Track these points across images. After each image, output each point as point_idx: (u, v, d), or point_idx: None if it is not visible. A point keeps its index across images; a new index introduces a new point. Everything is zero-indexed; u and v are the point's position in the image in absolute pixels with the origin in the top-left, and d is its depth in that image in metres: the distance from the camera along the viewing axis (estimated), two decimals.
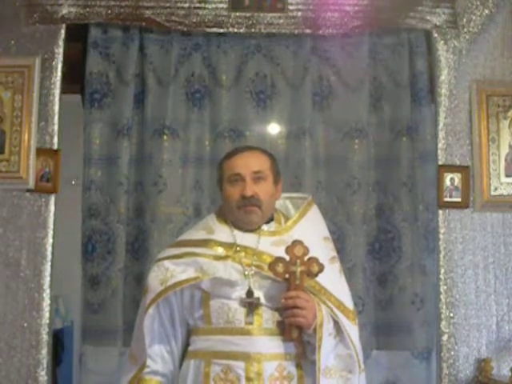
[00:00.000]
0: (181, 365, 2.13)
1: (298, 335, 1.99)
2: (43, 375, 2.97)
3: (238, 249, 2.09)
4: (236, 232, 2.13)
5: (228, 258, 2.07)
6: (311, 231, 2.17)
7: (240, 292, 2.03)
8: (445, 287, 3.10)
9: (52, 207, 3.07)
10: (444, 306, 3.09)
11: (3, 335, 2.98)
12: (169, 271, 2.08)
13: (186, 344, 2.14)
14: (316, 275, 2.03)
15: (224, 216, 2.19)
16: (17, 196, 3.07)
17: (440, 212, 3.15)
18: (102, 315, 3.09)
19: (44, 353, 2.98)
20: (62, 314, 4.72)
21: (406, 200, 3.18)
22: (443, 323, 3.08)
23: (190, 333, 2.14)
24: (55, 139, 3.12)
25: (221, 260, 2.07)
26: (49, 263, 3.03)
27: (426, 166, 3.21)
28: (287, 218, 2.23)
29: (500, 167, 3.16)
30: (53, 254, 3.05)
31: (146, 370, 2.10)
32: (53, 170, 3.08)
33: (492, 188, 3.15)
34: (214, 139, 3.21)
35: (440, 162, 3.18)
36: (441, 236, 3.13)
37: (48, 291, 3.01)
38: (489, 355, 3.05)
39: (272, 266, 2.00)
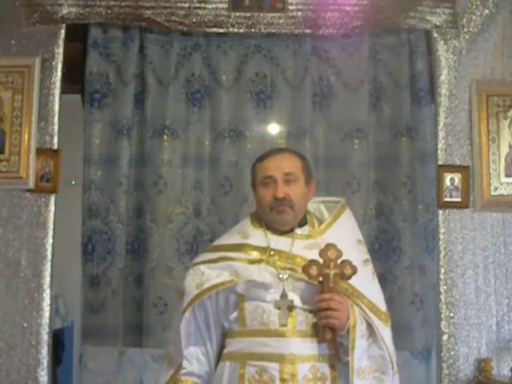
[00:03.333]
0: (216, 367, 2.15)
1: (331, 337, 2.00)
2: (43, 375, 2.97)
3: (272, 253, 2.10)
4: (270, 236, 2.15)
5: (262, 261, 2.09)
6: (344, 234, 2.18)
7: (274, 295, 2.04)
8: (445, 287, 3.10)
9: (52, 207, 3.07)
10: (444, 306, 3.09)
11: (3, 335, 2.98)
12: (204, 275, 2.10)
13: (222, 346, 2.16)
14: (349, 278, 2.03)
15: (258, 220, 2.21)
16: (17, 196, 3.07)
17: (440, 212, 3.15)
18: (102, 315, 3.09)
19: (44, 353, 2.98)
20: (62, 313, 4.72)
21: (405, 200, 3.18)
22: (443, 323, 3.08)
23: (225, 335, 2.15)
24: (55, 139, 3.12)
25: (255, 264, 2.08)
26: (49, 263, 3.03)
27: (425, 165, 3.22)
28: (321, 222, 2.24)
29: (500, 167, 3.16)
30: (53, 253, 3.05)
31: (182, 371, 2.12)
32: (53, 170, 3.08)
33: (492, 188, 3.15)
34: (214, 139, 3.22)
35: (440, 162, 3.18)
36: (441, 236, 3.13)
37: (48, 291, 3.01)
38: (489, 355, 3.05)
39: (306, 268, 2.01)
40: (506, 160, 3.17)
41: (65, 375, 4.41)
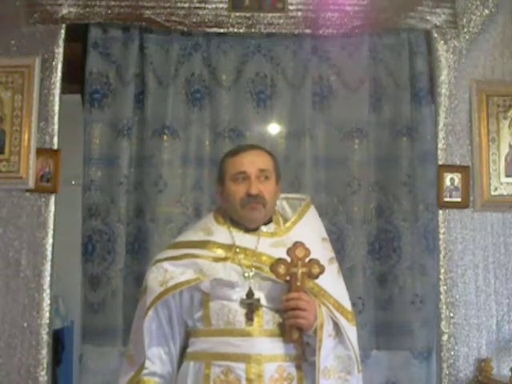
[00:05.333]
0: (179, 366, 2.13)
1: (298, 337, 1.99)
2: (43, 375, 2.97)
3: (237, 250, 2.08)
4: (235, 233, 2.13)
5: (227, 259, 2.07)
6: (310, 232, 2.17)
7: (240, 293, 2.02)
8: (445, 287, 3.10)
9: (52, 207, 3.07)
10: (444, 306, 3.09)
11: (3, 335, 2.98)
12: (168, 273, 2.07)
13: (185, 346, 2.14)
14: (317, 277, 2.03)
15: (222, 216, 2.18)
16: (17, 196, 3.07)
17: (440, 212, 3.15)
18: (101, 315, 3.09)
19: (44, 353, 2.98)
20: (62, 313, 4.72)
21: (406, 200, 3.18)
22: (443, 323, 3.08)
23: (188, 334, 2.13)
24: (55, 139, 3.12)
25: (220, 261, 2.06)
26: (49, 263, 3.03)
27: (426, 166, 3.21)
28: (285, 219, 2.22)
29: (500, 167, 3.16)
30: (53, 254, 3.05)
31: (145, 371, 2.09)
32: (53, 170, 3.09)
33: (492, 188, 3.15)
34: (214, 139, 3.21)
35: (440, 162, 3.18)
36: (441, 236, 3.13)
37: (48, 291, 3.01)
38: (489, 355, 3.05)
39: (274, 267, 2.00)
40: (506, 160, 3.17)
41: (65, 375, 4.42)
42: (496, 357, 3.06)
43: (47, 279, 3.02)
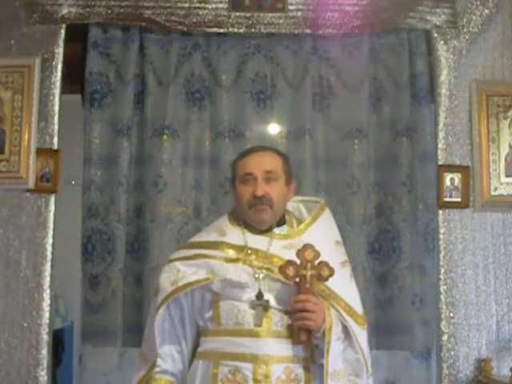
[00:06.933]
0: (190, 365, 2.14)
1: (306, 338, 2.00)
2: (43, 375, 2.97)
3: (249, 251, 2.09)
4: (248, 235, 2.14)
5: (239, 260, 2.08)
6: (323, 235, 2.18)
7: (250, 294, 2.04)
8: (445, 287, 3.10)
9: (52, 207, 3.07)
10: (444, 306, 3.09)
11: (3, 335, 2.98)
12: (180, 272, 2.10)
13: (196, 345, 2.15)
14: (326, 279, 2.03)
15: (236, 218, 2.20)
16: (17, 196, 3.07)
17: (440, 212, 3.15)
18: (101, 315, 3.09)
19: (44, 353, 2.98)
20: (62, 313, 4.71)
21: (405, 200, 3.18)
22: (443, 323, 3.08)
23: (199, 334, 2.15)
24: (55, 139, 3.12)
25: (231, 262, 2.08)
26: (49, 263, 3.03)
27: (425, 165, 3.21)
28: (300, 222, 2.23)
29: (500, 167, 3.16)
30: (53, 254, 3.05)
31: (156, 369, 2.12)
32: (53, 170, 3.09)
33: (492, 188, 3.15)
34: (213, 139, 3.22)
35: (440, 162, 3.18)
36: (441, 236, 3.13)
37: (48, 291, 3.01)
38: (489, 355, 3.05)
39: (283, 269, 2.01)
40: (506, 160, 3.17)
41: (65, 375, 4.41)
42: (496, 357, 3.05)
43: (47, 279, 3.02)
